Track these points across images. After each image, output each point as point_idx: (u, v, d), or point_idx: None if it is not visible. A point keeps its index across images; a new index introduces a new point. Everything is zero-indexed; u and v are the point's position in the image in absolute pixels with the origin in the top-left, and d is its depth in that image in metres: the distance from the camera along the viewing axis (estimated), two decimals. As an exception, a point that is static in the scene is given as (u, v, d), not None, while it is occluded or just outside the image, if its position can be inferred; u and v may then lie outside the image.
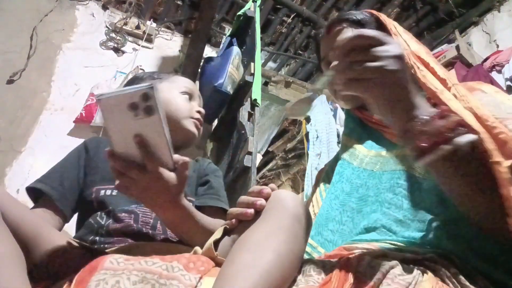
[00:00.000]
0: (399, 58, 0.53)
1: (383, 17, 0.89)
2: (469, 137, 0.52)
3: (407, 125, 0.54)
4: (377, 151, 0.83)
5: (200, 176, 1.05)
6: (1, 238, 0.57)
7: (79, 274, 0.56)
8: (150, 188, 0.67)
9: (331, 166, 1.00)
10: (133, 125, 0.60)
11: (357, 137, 0.91)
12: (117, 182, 0.67)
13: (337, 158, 0.97)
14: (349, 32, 0.88)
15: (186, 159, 0.69)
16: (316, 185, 1.04)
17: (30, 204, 0.92)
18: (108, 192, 0.91)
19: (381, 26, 0.89)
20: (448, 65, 2.73)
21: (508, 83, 2.39)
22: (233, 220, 0.67)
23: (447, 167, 0.55)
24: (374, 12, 0.93)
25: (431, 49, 3.16)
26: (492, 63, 2.54)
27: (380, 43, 0.53)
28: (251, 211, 0.63)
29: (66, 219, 0.92)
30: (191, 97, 1.06)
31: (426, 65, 0.76)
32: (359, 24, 0.89)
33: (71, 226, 0.99)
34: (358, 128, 0.92)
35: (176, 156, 0.67)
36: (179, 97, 1.03)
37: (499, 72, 2.47)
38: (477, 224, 0.60)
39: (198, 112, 1.04)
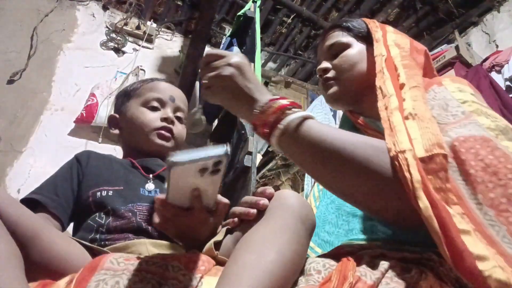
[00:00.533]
0: (232, 66, 0.64)
1: (371, 24, 0.94)
2: (296, 115, 0.60)
3: (250, 118, 0.63)
4: None
5: None
6: None
7: (79, 274, 0.56)
8: (190, 229, 0.71)
9: None
10: (195, 181, 0.62)
11: None
12: (156, 220, 0.71)
13: None
14: (339, 36, 0.94)
15: (226, 201, 0.73)
16: (313, 185, 1.04)
17: (31, 204, 0.92)
18: (104, 193, 0.91)
19: (370, 30, 0.93)
20: (448, 65, 2.73)
21: (508, 83, 2.39)
22: (235, 219, 0.68)
23: (289, 147, 0.62)
24: (366, 20, 0.98)
25: (431, 49, 3.16)
26: (491, 63, 2.54)
27: (221, 57, 0.66)
28: (254, 211, 0.64)
29: (63, 227, 0.91)
30: (162, 104, 1.05)
31: (395, 69, 0.78)
32: (348, 29, 0.95)
33: (68, 230, 1.00)
34: (352, 131, 0.93)
35: (219, 197, 0.72)
36: (144, 112, 1.03)
37: (499, 72, 2.47)
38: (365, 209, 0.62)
39: (165, 119, 1.02)
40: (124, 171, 0.97)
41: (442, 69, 2.73)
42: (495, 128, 0.59)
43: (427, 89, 0.71)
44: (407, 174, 0.52)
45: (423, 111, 0.61)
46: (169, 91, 1.08)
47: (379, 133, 0.81)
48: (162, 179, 0.97)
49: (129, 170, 0.98)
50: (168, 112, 1.03)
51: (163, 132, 1.01)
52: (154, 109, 1.04)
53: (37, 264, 0.61)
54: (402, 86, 0.69)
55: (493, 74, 2.48)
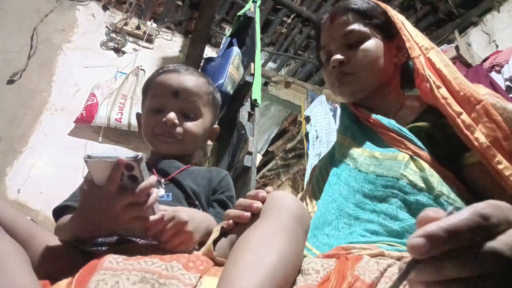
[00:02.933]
0: None
1: (391, 12, 0.87)
2: None
3: None
4: (370, 151, 0.83)
5: (215, 187, 1.00)
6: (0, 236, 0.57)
7: (79, 274, 0.56)
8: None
9: (324, 163, 0.99)
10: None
11: (351, 134, 0.90)
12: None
13: (331, 156, 0.96)
14: (355, 23, 0.86)
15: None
16: (309, 182, 1.03)
17: (30, 203, 0.93)
18: None
19: (388, 20, 0.88)
20: (448, 65, 2.73)
21: (508, 83, 2.39)
22: (230, 221, 0.68)
23: None
24: (381, 4, 0.90)
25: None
26: (491, 63, 2.54)
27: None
28: (248, 214, 0.64)
29: None
30: (164, 104, 1.00)
31: (443, 77, 0.77)
32: (365, 15, 0.88)
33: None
34: (354, 125, 0.91)
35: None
36: (148, 117, 1.02)
37: (499, 72, 2.48)
38: None
39: (164, 122, 0.97)
40: None
41: (442, 69, 2.73)
42: None
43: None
44: None
45: None
46: (175, 85, 1.01)
47: (391, 132, 0.81)
48: (176, 182, 0.93)
49: None
50: (169, 114, 0.97)
51: (162, 137, 0.99)
52: (158, 111, 1.00)
53: (33, 264, 0.61)
54: (466, 100, 0.72)
55: (493, 74, 2.48)
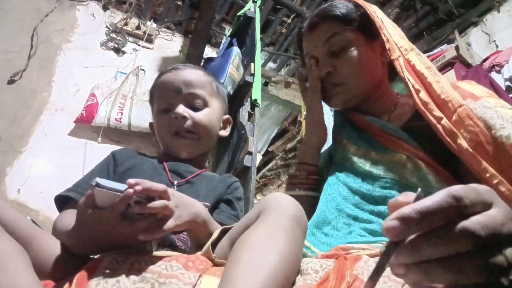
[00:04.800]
0: None
1: (370, 10, 0.86)
2: None
3: None
4: (366, 150, 0.83)
5: (224, 190, 1.00)
6: (1, 236, 0.58)
7: (79, 274, 0.56)
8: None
9: (322, 162, 0.98)
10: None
11: (347, 135, 0.90)
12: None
13: (330, 155, 0.96)
14: (336, 29, 0.86)
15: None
16: None
17: (30, 203, 0.93)
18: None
19: (368, 19, 0.87)
20: (448, 65, 2.73)
21: (508, 83, 2.39)
22: None
23: None
24: (360, 1, 0.89)
25: (431, 50, 3.16)
26: (491, 63, 2.53)
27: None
28: None
29: None
30: (170, 102, 1.01)
31: (423, 79, 0.76)
32: (344, 20, 0.87)
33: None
34: (348, 126, 0.91)
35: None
36: (159, 119, 1.02)
37: (499, 72, 2.47)
38: None
39: (175, 118, 0.98)
40: (151, 174, 0.94)
41: (442, 69, 2.73)
42: None
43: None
44: None
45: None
46: (175, 82, 1.02)
47: (386, 134, 0.81)
48: (188, 186, 0.94)
49: (158, 173, 0.95)
50: (177, 109, 0.99)
51: (181, 135, 1.00)
52: (166, 111, 1.01)
53: (35, 265, 0.61)
54: (444, 104, 0.71)
55: (493, 74, 2.47)
